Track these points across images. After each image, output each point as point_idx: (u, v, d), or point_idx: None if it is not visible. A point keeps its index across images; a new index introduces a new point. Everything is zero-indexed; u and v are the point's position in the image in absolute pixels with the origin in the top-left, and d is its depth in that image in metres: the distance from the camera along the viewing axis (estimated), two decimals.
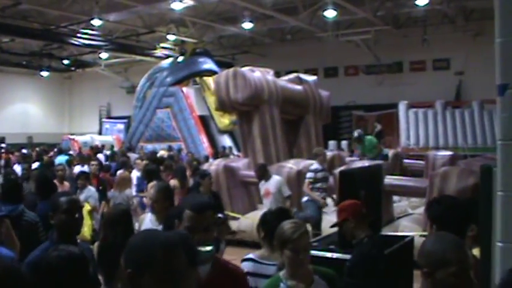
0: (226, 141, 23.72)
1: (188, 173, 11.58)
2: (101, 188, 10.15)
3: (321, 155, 10.28)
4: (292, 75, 15.59)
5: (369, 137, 15.04)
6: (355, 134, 14.98)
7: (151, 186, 7.46)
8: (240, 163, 12.47)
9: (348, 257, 4.57)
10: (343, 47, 25.52)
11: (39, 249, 3.66)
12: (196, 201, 3.09)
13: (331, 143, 22.67)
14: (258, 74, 13.30)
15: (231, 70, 13.20)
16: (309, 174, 9.89)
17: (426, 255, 2.34)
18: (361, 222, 4.55)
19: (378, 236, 5.76)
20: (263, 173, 9.66)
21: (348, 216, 4.57)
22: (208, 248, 2.66)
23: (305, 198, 9.83)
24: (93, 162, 11.59)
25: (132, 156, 17.22)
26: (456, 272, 2.24)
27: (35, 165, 13.52)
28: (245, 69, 13.39)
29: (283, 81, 14.82)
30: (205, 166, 12.21)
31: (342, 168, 10.38)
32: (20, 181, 7.47)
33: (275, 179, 9.59)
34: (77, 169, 12.39)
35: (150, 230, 2.15)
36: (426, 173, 12.91)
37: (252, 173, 11.98)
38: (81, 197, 8.07)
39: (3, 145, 27.32)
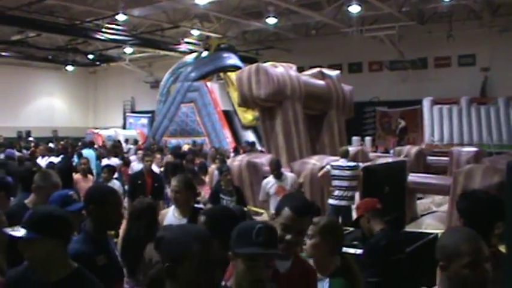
0: (249, 136, 23.69)
1: (213, 166, 11.63)
2: (156, 185, 9.61)
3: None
4: (314, 70, 15.43)
5: None
6: None
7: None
8: (263, 159, 12.41)
9: None
10: (367, 42, 25.34)
11: (76, 242, 3.29)
12: (299, 202, 2.97)
13: (355, 139, 22.56)
14: (281, 69, 13.15)
15: (253, 66, 13.08)
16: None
17: (440, 248, 2.40)
18: (375, 217, 4.64)
19: (397, 232, 5.76)
20: (279, 169, 8.93)
21: (362, 213, 4.69)
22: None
23: None
24: (147, 158, 10.17)
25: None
26: (469, 263, 2.27)
27: (58, 158, 13.64)
28: (267, 64, 13.25)
29: (306, 76, 14.69)
30: (228, 161, 12.16)
31: (367, 164, 10.34)
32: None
33: (290, 176, 9.13)
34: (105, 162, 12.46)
35: (179, 225, 2.33)
36: (450, 169, 12.78)
37: None
38: None
39: (30, 138, 27.77)
